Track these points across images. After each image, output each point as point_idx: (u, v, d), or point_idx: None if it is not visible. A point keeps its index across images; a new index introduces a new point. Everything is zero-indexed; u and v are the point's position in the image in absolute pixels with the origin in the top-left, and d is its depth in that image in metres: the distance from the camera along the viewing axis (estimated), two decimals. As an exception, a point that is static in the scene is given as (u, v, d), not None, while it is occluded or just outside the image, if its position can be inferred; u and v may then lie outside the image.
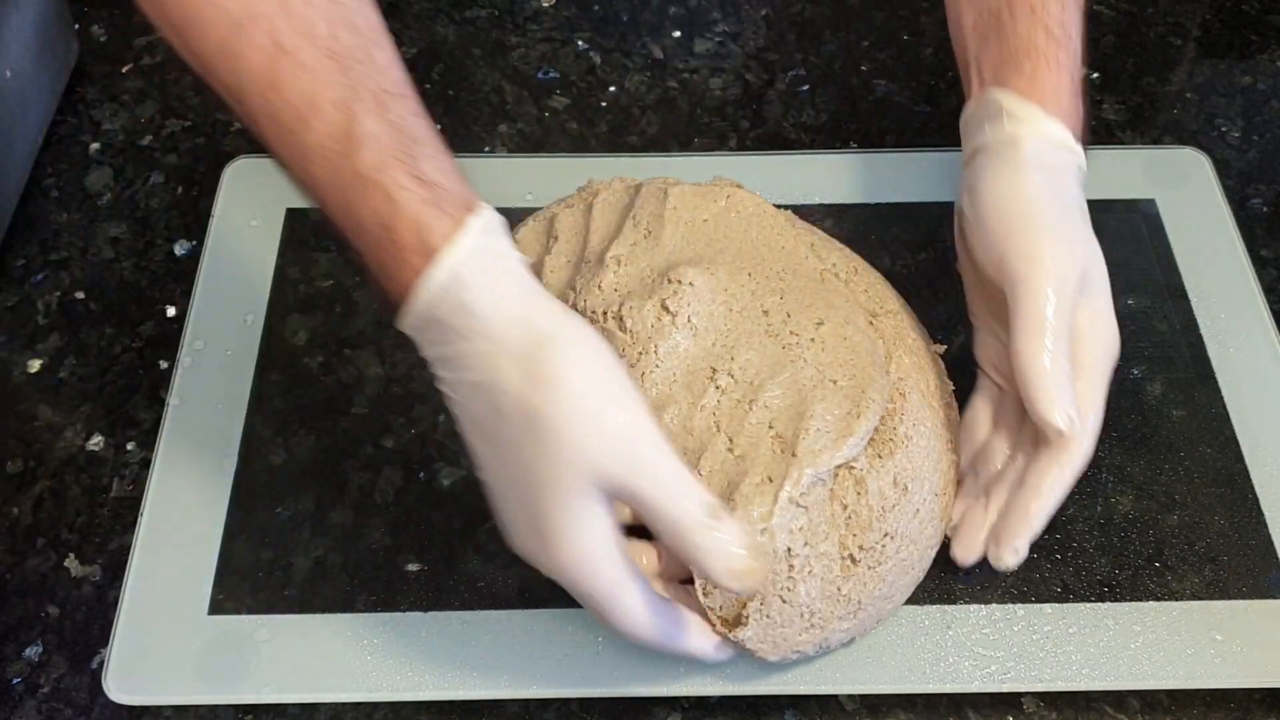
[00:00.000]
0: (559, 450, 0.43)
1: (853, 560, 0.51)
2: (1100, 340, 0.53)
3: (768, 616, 0.50)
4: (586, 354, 0.45)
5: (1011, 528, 0.52)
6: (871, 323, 0.57)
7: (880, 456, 0.53)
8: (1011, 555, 0.52)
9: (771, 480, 0.50)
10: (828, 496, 0.52)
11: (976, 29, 0.58)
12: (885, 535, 0.52)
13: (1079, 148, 0.55)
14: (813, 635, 0.51)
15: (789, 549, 0.50)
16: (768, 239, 0.60)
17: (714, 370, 0.54)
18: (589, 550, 0.45)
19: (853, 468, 0.52)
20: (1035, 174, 0.54)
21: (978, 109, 0.57)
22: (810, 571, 0.50)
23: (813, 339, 0.55)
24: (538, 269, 0.61)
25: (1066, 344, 0.51)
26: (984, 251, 0.54)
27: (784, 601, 0.50)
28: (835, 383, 0.53)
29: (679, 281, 0.56)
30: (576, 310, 0.58)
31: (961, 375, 0.59)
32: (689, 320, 0.55)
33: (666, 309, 0.55)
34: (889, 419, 0.54)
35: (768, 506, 0.50)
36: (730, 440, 0.52)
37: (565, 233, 0.62)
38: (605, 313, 0.57)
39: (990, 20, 0.57)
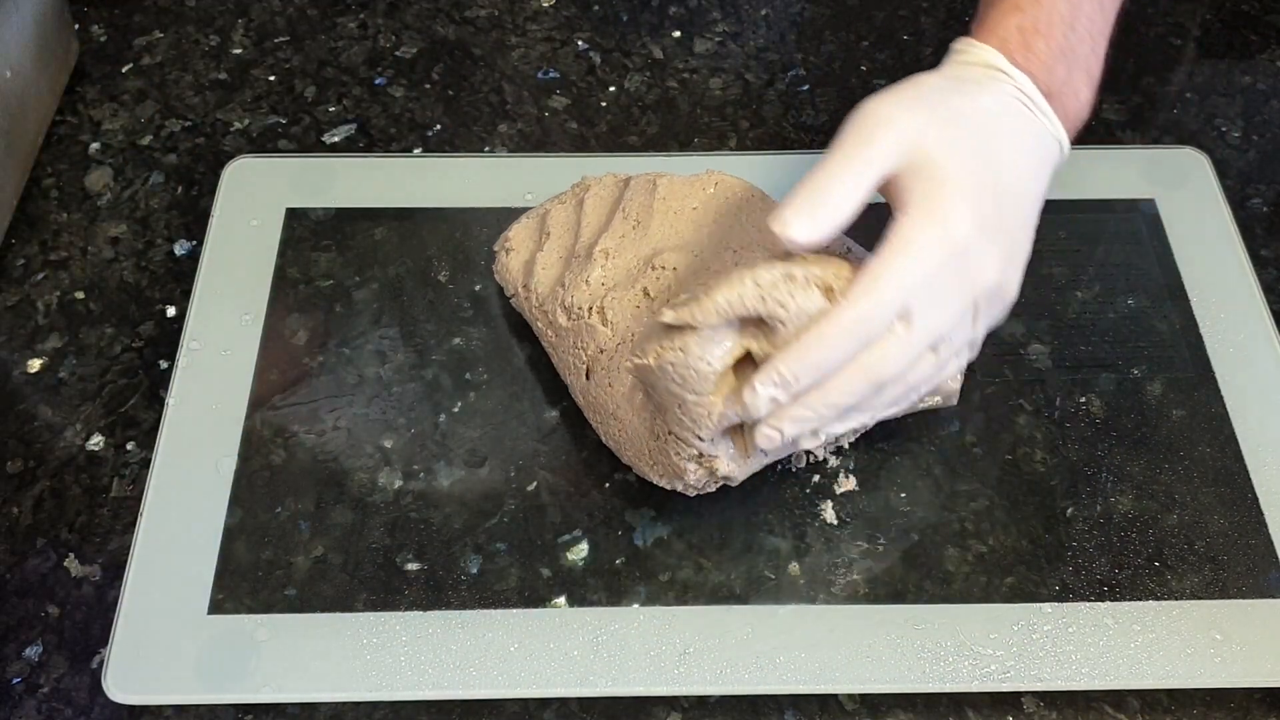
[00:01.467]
0: None
1: None
2: (919, 216, 0.48)
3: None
4: None
5: (759, 368, 0.49)
6: None
7: None
8: (748, 393, 0.49)
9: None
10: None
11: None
12: None
13: (1012, 69, 0.53)
14: None
15: None
16: (756, 220, 0.60)
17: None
18: None
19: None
20: (932, 75, 0.53)
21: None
22: None
23: None
24: (529, 266, 0.62)
25: (848, 178, 0.48)
26: None
27: None
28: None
29: (661, 268, 0.56)
30: (564, 307, 0.58)
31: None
32: (668, 301, 0.55)
33: (647, 294, 0.56)
34: None
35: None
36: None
37: (557, 228, 0.62)
38: (590, 308, 0.57)
39: None
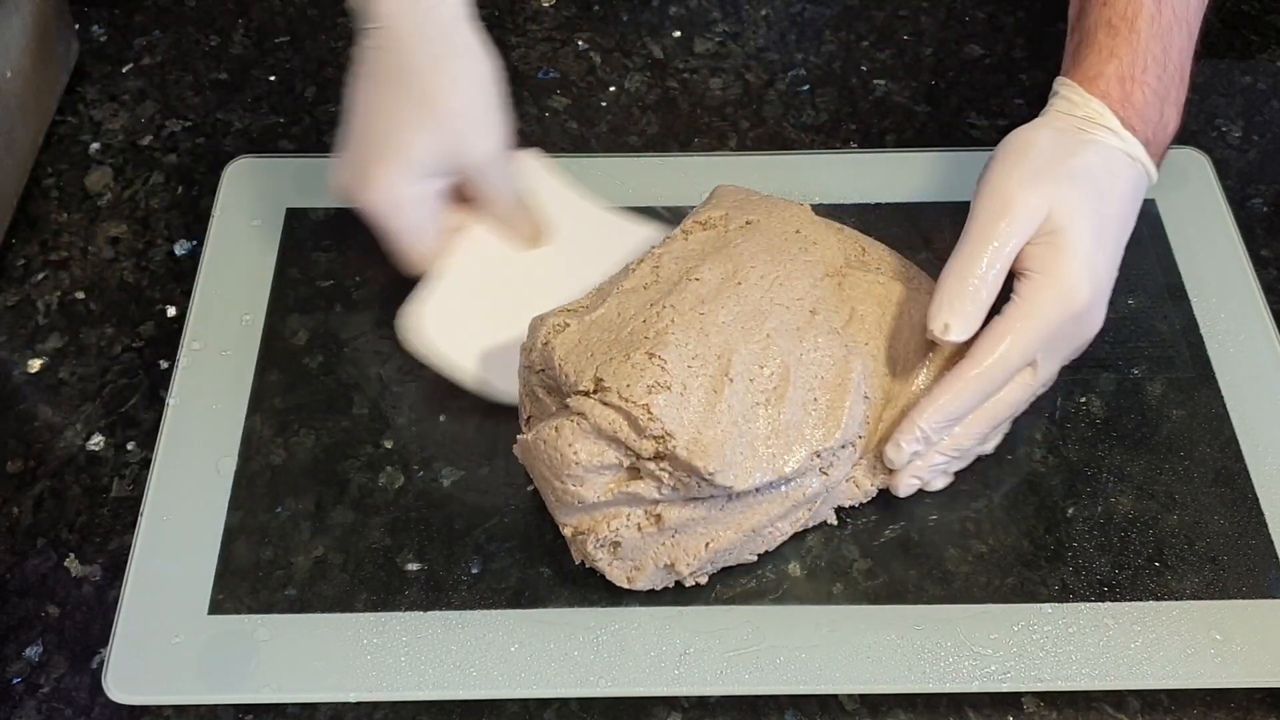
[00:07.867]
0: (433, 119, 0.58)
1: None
2: (1046, 284, 0.54)
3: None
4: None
5: (900, 426, 0.55)
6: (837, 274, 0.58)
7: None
8: (892, 449, 0.55)
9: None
10: None
11: (1071, 18, 0.62)
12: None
13: (1117, 126, 0.57)
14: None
15: None
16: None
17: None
18: (398, 195, 0.59)
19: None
20: (1044, 131, 0.57)
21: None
22: None
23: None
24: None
25: (991, 272, 0.54)
26: (974, 191, 0.57)
27: None
28: None
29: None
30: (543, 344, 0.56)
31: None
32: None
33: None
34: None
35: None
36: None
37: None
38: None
39: (1076, 9, 0.61)
